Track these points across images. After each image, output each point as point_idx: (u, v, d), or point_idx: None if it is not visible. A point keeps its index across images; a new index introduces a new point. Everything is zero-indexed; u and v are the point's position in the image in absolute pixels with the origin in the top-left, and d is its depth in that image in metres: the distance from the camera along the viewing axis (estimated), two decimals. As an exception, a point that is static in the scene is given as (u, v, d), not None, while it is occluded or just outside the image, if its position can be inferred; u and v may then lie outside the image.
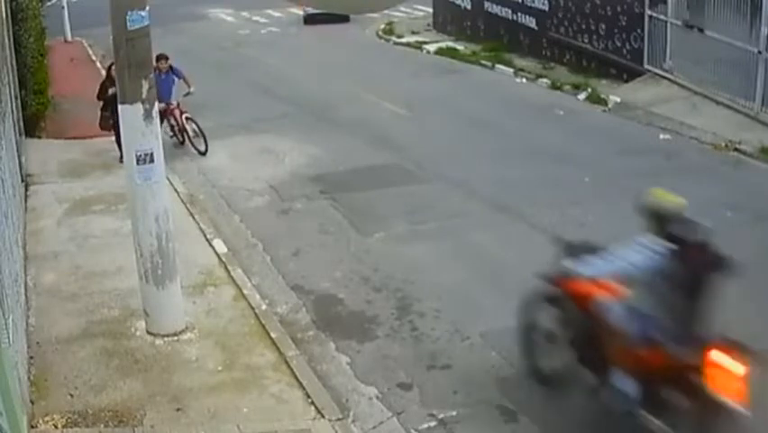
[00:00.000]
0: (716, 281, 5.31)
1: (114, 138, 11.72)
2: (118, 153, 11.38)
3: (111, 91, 11.06)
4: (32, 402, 5.98)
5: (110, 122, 11.73)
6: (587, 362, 5.98)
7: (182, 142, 12.93)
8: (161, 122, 12.26)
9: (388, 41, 23.07)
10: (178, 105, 12.82)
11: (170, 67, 12.60)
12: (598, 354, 5.81)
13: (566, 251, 6.09)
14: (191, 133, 12.73)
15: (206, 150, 12.57)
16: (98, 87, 12.17)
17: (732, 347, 5.20)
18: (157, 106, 6.80)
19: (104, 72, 16.41)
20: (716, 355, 5.17)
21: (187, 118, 12.78)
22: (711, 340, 5.26)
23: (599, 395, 5.86)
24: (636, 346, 5.50)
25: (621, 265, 5.42)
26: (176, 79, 12.73)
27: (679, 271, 5.22)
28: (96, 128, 12.45)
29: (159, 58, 12.06)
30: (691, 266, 5.23)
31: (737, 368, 5.11)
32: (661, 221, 5.32)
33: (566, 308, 6.13)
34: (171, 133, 12.90)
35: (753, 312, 7.43)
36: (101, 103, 12.06)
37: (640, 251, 5.33)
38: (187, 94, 12.87)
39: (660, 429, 5.43)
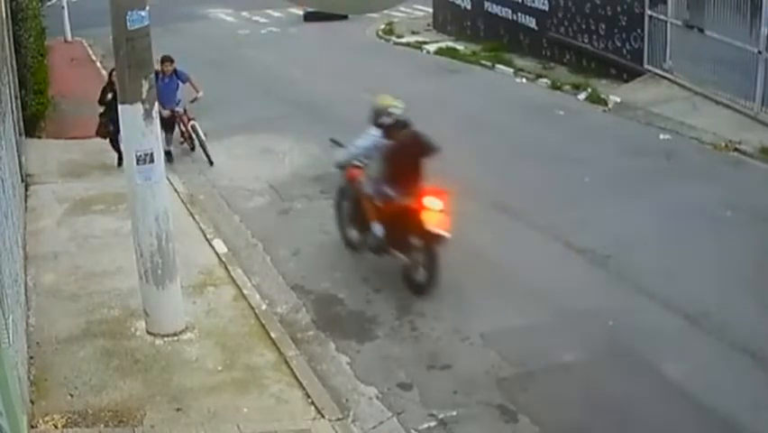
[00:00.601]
0: (419, 151, 7.94)
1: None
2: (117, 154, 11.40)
3: (110, 96, 11.02)
4: (32, 402, 5.99)
5: (107, 128, 11.67)
6: (359, 224, 8.55)
7: (192, 149, 12.70)
8: (172, 128, 12.25)
9: (388, 41, 23.03)
10: (185, 111, 12.41)
11: (175, 70, 12.14)
12: (363, 215, 8.38)
13: (333, 145, 8.92)
14: (197, 141, 12.45)
15: (211, 162, 12.21)
16: (99, 93, 11.99)
17: (435, 192, 7.68)
18: (157, 107, 6.79)
19: (104, 72, 16.46)
20: (426, 200, 7.64)
21: (192, 126, 12.42)
22: (422, 189, 7.76)
23: (366, 243, 8.42)
24: (377, 202, 8.10)
25: (355, 149, 8.19)
26: (180, 84, 12.25)
27: (387, 146, 7.93)
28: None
29: (163, 60, 11.79)
30: (394, 142, 7.92)
31: (438, 205, 7.60)
32: (377, 115, 8.02)
33: (348, 188, 8.77)
34: (182, 139, 12.70)
35: (754, 312, 7.44)
36: (101, 108, 11.92)
37: (366, 137, 8.07)
38: (194, 100, 12.41)
39: (401, 259, 8.05)
